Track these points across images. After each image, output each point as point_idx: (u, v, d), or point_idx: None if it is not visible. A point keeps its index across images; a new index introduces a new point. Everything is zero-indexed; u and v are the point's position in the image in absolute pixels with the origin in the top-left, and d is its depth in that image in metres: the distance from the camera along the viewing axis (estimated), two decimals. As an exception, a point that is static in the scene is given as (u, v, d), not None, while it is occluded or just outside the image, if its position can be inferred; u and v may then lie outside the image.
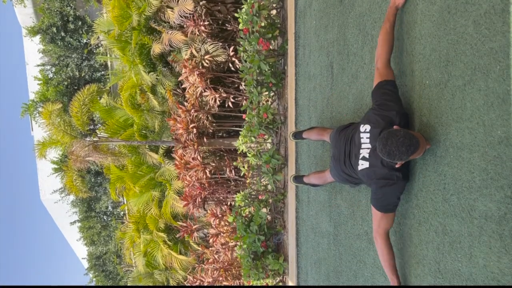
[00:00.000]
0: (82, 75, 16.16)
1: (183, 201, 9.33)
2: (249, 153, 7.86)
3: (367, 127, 3.29)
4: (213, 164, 9.71)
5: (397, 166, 3.07)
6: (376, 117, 3.24)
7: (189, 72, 8.54)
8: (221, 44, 8.85)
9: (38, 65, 17.25)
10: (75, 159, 10.75)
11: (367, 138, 3.29)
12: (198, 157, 9.10)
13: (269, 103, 7.62)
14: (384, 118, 3.17)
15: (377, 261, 3.90)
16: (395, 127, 3.00)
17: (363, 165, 3.34)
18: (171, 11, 8.95)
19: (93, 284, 23.33)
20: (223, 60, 8.81)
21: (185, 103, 9.26)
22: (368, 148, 3.30)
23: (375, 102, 3.33)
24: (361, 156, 3.36)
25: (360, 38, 4.23)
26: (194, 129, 8.88)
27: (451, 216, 2.82)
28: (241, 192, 8.63)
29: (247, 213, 8.20)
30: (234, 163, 9.30)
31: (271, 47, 7.08)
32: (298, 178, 5.81)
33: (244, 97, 8.64)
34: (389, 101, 3.22)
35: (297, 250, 6.77)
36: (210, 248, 9.79)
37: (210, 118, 9.18)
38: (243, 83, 8.23)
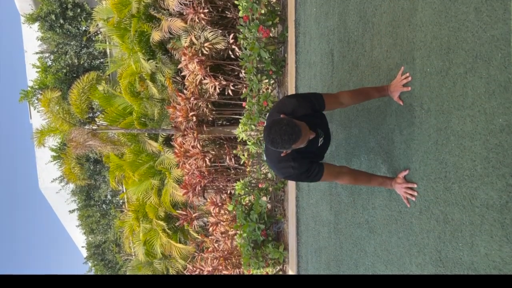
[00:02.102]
0: (81, 63, 16.09)
1: (183, 189, 9.33)
2: (249, 141, 7.85)
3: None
4: (213, 152, 9.70)
5: (282, 155, 3.06)
6: (278, 104, 3.28)
7: (189, 60, 8.50)
8: (220, 31, 8.80)
9: (37, 53, 17.15)
10: (75, 146, 10.71)
11: None
12: (198, 145, 9.09)
13: (269, 90, 7.59)
14: (280, 105, 3.20)
15: (378, 250, 3.91)
16: (281, 115, 2.99)
17: (264, 156, 3.36)
18: (171, -2, 8.90)
19: (92, 273, 23.37)
20: (223, 47, 8.76)
21: (185, 91, 9.22)
22: None
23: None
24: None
25: (361, 25, 4.20)
26: (194, 117, 8.86)
27: (452, 204, 2.81)
28: (241, 180, 8.62)
29: (247, 201, 8.21)
30: (234, 151, 9.29)
31: (271, 34, 7.04)
32: None
33: (244, 85, 8.61)
34: (307, 95, 3.27)
35: (297, 239, 6.78)
36: (210, 237, 9.80)
37: (209, 106, 9.15)
38: (243, 71, 8.20)
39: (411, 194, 3.26)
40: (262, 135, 2.93)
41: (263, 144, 3.42)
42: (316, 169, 3.25)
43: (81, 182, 12.29)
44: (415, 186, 3.22)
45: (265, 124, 3.24)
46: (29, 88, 15.62)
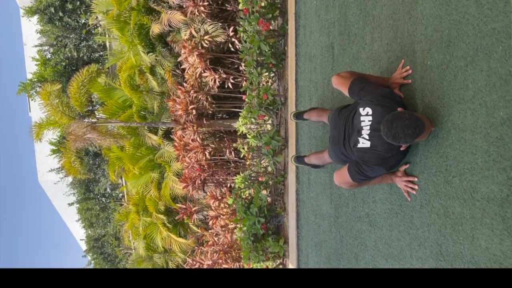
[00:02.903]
0: (80, 56, 16.04)
1: (183, 183, 9.32)
2: (249, 135, 7.84)
3: (369, 110, 3.25)
4: (213, 146, 9.69)
5: (402, 148, 3.06)
6: (374, 99, 3.21)
7: (189, 53, 8.48)
8: (220, 24, 8.77)
9: (36, 46, 17.10)
10: (74, 139, 10.69)
11: (369, 121, 3.25)
12: (198, 139, 9.08)
13: (269, 84, 7.57)
14: (383, 98, 3.15)
15: (378, 243, 3.91)
16: (399, 109, 2.96)
17: (363, 143, 3.30)
18: (171, -10, 8.87)
19: (91, 266, 23.39)
20: (223, 40, 8.74)
21: (185, 84, 9.21)
22: (369, 130, 3.26)
23: (361, 94, 3.34)
24: (361, 136, 3.33)
25: (361, 18, 4.18)
26: (194, 110, 8.84)
27: (453, 198, 2.81)
28: (241, 174, 8.62)
29: (247, 195, 8.21)
30: (234, 145, 9.29)
31: (271, 27, 7.01)
32: (299, 159, 5.78)
33: (244, 78, 8.59)
34: (374, 87, 3.27)
35: (297, 233, 6.78)
36: (210, 231, 9.80)
37: (209, 99, 9.14)
38: (243, 64, 8.18)
39: (411, 188, 3.25)
40: (382, 129, 2.89)
41: (364, 135, 3.37)
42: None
43: (81, 176, 12.25)
44: (416, 179, 3.21)
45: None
46: (27, 81, 15.57)
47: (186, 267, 9.72)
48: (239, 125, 8.09)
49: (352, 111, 3.63)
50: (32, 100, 16.07)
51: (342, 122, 3.76)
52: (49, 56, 16.45)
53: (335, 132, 3.92)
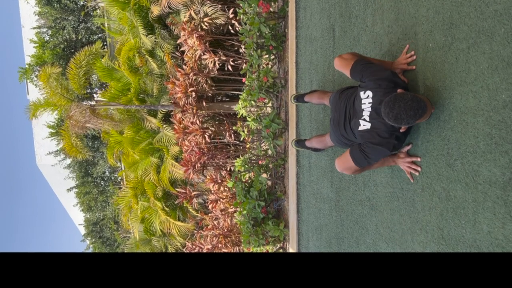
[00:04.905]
0: (79, 38, 15.96)
1: (182, 166, 9.32)
2: (249, 117, 7.82)
3: (369, 93, 3.21)
4: (213, 129, 9.68)
5: (401, 130, 3.03)
6: (375, 82, 3.18)
7: (188, 35, 8.43)
8: (220, 6, 8.70)
9: (34, 28, 17.01)
10: (74, 124, 10.67)
11: (369, 103, 3.21)
12: (197, 122, 9.06)
13: (270, 66, 7.53)
14: (384, 80, 3.12)
15: (380, 227, 3.91)
16: (399, 90, 2.94)
17: (364, 125, 3.27)
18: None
19: (90, 251, 23.49)
20: (223, 22, 8.68)
21: (184, 67, 9.16)
22: (369, 112, 3.22)
23: (363, 75, 3.29)
24: (362, 118, 3.30)
25: (362, 0, 4.14)
26: (193, 93, 8.81)
27: (454, 181, 2.79)
28: (240, 157, 8.61)
29: (247, 178, 8.21)
30: (234, 128, 9.27)
31: (271, 9, 6.96)
32: (300, 142, 5.76)
33: (244, 60, 8.55)
34: (376, 69, 3.21)
35: (297, 216, 6.80)
36: (209, 214, 9.82)
37: (209, 81, 9.10)
38: (243, 46, 8.14)
39: (414, 169, 3.23)
40: (383, 110, 2.85)
41: (364, 116, 3.33)
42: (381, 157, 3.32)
43: (83, 155, 12.19)
44: (419, 159, 3.19)
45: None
46: (27, 66, 15.51)
47: (185, 251, 9.75)
48: (239, 107, 8.06)
49: (353, 94, 3.60)
50: (31, 83, 16.01)
51: (343, 104, 3.71)
52: (48, 38, 16.37)
53: (336, 115, 3.87)
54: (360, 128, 3.31)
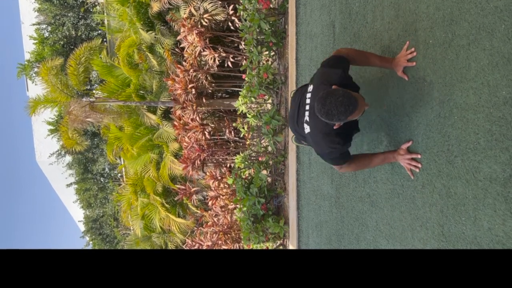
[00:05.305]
0: (79, 34, 15.94)
1: (182, 163, 9.32)
2: (249, 114, 7.81)
3: (311, 87, 3.19)
4: (212, 125, 9.67)
5: (335, 127, 2.99)
6: (319, 75, 3.15)
7: (188, 31, 8.41)
8: (220, 2, 8.69)
9: (34, 24, 16.99)
10: (74, 119, 10.66)
11: (308, 98, 3.18)
12: (197, 118, 9.05)
13: (270, 62, 7.52)
14: (326, 77, 3.07)
15: (380, 224, 3.91)
16: (334, 86, 2.90)
17: (307, 129, 3.21)
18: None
19: (89, 247, 23.49)
20: (223, 19, 8.67)
21: (184, 63, 9.15)
22: (308, 110, 3.18)
23: (324, 63, 3.22)
24: (304, 119, 3.23)
25: (363, -4, 4.14)
26: (193, 89, 8.80)
27: (455, 178, 2.79)
28: (240, 153, 8.61)
29: (246, 175, 8.21)
30: (234, 124, 9.27)
31: (271, 5, 6.95)
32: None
33: (244, 57, 8.54)
34: (338, 62, 3.14)
35: (298, 213, 6.79)
36: (209, 211, 9.82)
37: (209, 78, 9.09)
38: (242, 43, 8.12)
39: (415, 166, 3.21)
40: (316, 107, 2.81)
41: (306, 116, 3.27)
42: (347, 152, 3.23)
43: (80, 146, 12.15)
44: (419, 156, 3.18)
45: (309, 97, 3.15)
46: (26, 62, 15.49)
47: (185, 248, 9.75)
48: (239, 104, 8.05)
49: (303, 89, 3.48)
50: (30, 80, 15.99)
51: (297, 100, 3.54)
52: (47, 35, 16.35)
53: (291, 112, 3.68)
54: (306, 131, 3.26)
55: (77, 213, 24.67)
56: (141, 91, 11.03)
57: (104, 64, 11.02)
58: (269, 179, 7.96)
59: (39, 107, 10.85)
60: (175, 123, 9.47)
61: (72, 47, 15.17)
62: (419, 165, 3.16)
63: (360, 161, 3.46)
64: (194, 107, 8.95)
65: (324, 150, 3.19)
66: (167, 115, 11.25)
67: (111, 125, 11.55)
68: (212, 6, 8.57)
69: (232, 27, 8.78)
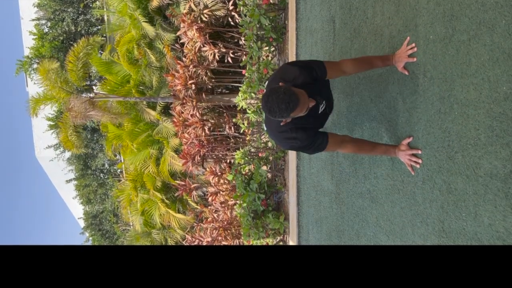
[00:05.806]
0: (78, 30, 15.91)
1: (182, 159, 9.31)
2: (249, 110, 7.80)
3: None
4: (212, 121, 9.66)
5: (281, 124, 2.98)
6: (277, 71, 3.16)
7: (188, 27, 8.39)
8: (220, -3, 8.68)
9: (33, 20, 16.95)
10: (74, 115, 10.64)
11: None
12: (197, 114, 9.04)
13: (270, 58, 7.51)
14: (281, 74, 3.08)
15: (380, 220, 3.91)
16: (280, 83, 2.91)
17: (266, 126, 3.25)
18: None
19: (89, 243, 23.49)
20: (222, 14, 8.65)
21: (184, 59, 9.14)
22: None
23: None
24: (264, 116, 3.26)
25: (363, -9, 4.13)
26: (193, 85, 8.79)
27: (455, 174, 2.79)
28: (240, 149, 8.61)
29: (246, 171, 8.21)
30: (234, 120, 9.26)
31: (271, 1, 6.94)
32: None
33: (244, 52, 8.52)
34: (307, 62, 3.14)
35: (298, 209, 6.80)
36: (209, 207, 9.82)
37: (209, 73, 9.08)
38: (242, 38, 8.11)
39: (415, 162, 3.22)
40: (261, 104, 2.81)
41: (263, 113, 3.28)
42: (320, 139, 3.18)
43: (78, 150, 12.20)
44: (420, 152, 3.17)
45: (264, 92, 3.15)
46: (25, 58, 15.46)
47: (185, 244, 9.76)
48: (239, 100, 8.04)
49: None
50: (30, 78, 15.97)
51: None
52: (47, 30, 16.32)
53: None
54: (265, 128, 3.28)
55: (77, 209, 24.66)
56: (140, 87, 11.02)
57: (103, 61, 11.00)
58: (269, 175, 7.96)
59: (39, 105, 10.84)
60: (175, 119, 9.46)
61: (71, 42, 15.13)
62: (420, 161, 3.16)
63: (361, 145, 3.46)
64: (194, 102, 8.94)
65: (285, 146, 3.22)
66: (166, 111, 11.23)
67: (109, 125, 11.54)
68: (212, 1, 8.55)
69: (232, 23, 8.75)
